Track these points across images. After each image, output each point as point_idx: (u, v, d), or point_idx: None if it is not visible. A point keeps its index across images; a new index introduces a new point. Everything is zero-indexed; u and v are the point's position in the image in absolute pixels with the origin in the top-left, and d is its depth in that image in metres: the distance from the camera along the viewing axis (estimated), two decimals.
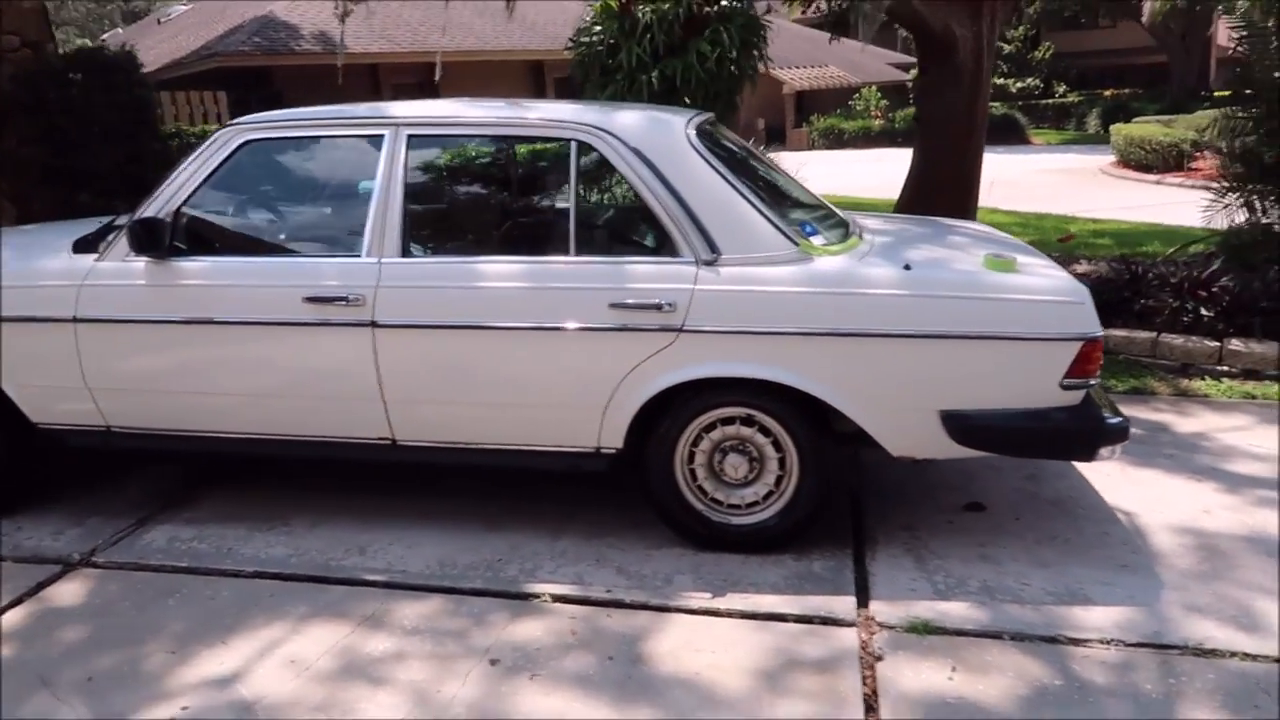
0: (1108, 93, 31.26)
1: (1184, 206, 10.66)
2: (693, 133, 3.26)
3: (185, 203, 3.40)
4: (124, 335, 3.41)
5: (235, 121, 3.46)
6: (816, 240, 3.23)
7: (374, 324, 3.22)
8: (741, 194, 3.17)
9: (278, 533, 3.53)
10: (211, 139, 3.42)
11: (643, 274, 3.14)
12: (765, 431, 3.21)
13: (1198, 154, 16.16)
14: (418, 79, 15.61)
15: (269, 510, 3.70)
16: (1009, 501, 3.67)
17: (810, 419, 3.17)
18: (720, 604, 2.99)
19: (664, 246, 3.18)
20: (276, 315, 3.28)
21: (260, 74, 13.89)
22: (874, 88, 29.92)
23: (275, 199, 3.63)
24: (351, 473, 3.96)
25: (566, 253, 3.22)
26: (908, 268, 3.10)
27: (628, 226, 3.44)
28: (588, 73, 6.74)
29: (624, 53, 6.53)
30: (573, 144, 3.24)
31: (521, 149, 3.82)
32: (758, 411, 3.19)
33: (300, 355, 3.33)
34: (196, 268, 3.37)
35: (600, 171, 3.26)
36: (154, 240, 3.28)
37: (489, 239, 3.57)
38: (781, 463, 3.23)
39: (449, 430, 3.35)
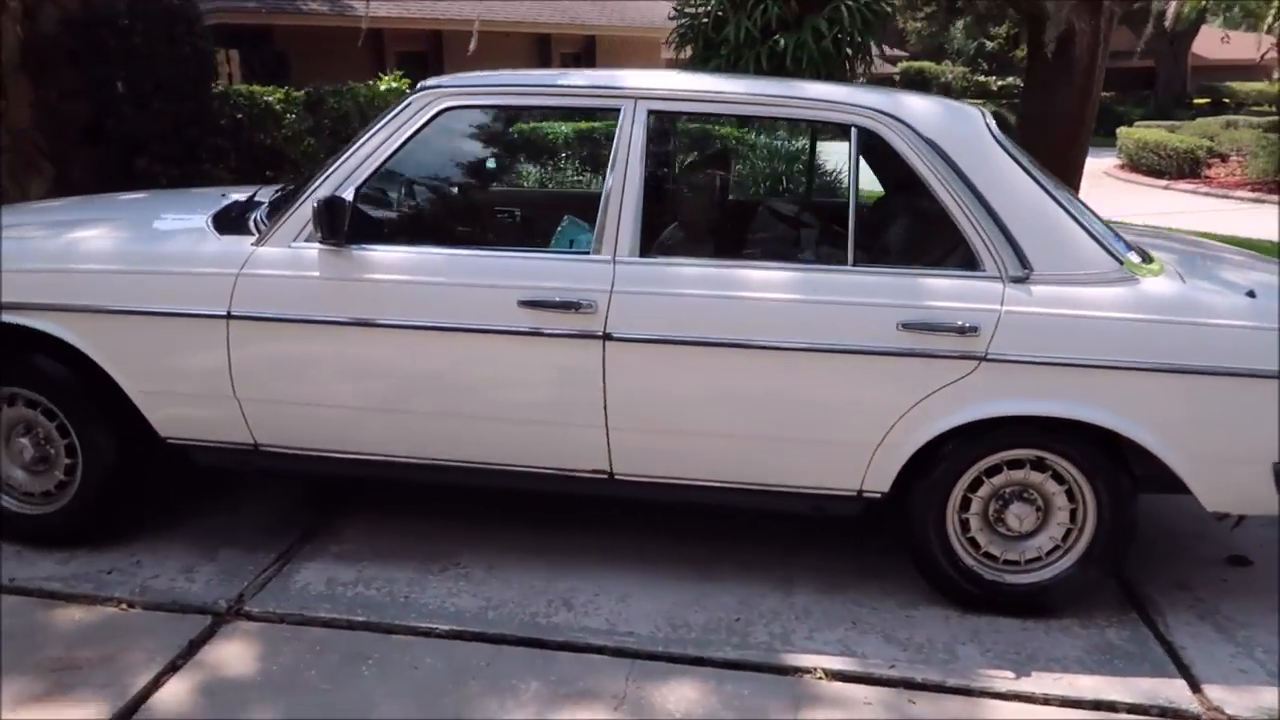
0: None
1: (1210, 214, 10.43)
2: (994, 125, 2.77)
3: (370, 179, 2.81)
4: (289, 338, 2.82)
5: (433, 83, 2.86)
6: (1132, 258, 2.76)
7: (606, 336, 2.68)
8: (1056, 200, 2.68)
9: (452, 575, 2.98)
10: (403, 103, 2.83)
11: (940, 290, 2.65)
12: (1058, 478, 2.75)
13: (1211, 161, 16.10)
14: (425, 47, 14.84)
15: (430, 545, 3.14)
16: (1268, 553, 3.26)
17: (1113, 464, 2.71)
18: (1031, 687, 2.53)
19: (962, 259, 2.68)
20: (484, 322, 2.72)
21: (262, 33, 13.02)
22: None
23: (477, 179, 3.05)
24: (493, 498, 3.39)
25: (843, 261, 2.71)
26: (1251, 295, 2.65)
27: (915, 233, 2.93)
28: (689, 45, 6.19)
29: (731, 25, 5.99)
30: (853, 130, 2.72)
31: (785, 134, 3.28)
32: (1053, 455, 2.72)
33: (509, 370, 2.78)
34: (386, 259, 2.79)
35: (883, 165, 2.73)
36: (335, 224, 2.69)
37: (744, 240, 3.03)
38: (1072, 515, 2.77)
39: (679, 464, 2.82)
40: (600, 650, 2.63)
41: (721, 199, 3.21)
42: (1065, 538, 2.79)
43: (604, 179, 2.78)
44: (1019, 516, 2.77)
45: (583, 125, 6.31)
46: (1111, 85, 32.77)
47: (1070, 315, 2.60)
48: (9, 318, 2.86)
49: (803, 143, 3.86)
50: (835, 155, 4.08)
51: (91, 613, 2.73)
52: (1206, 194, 14.49)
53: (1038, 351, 2.60)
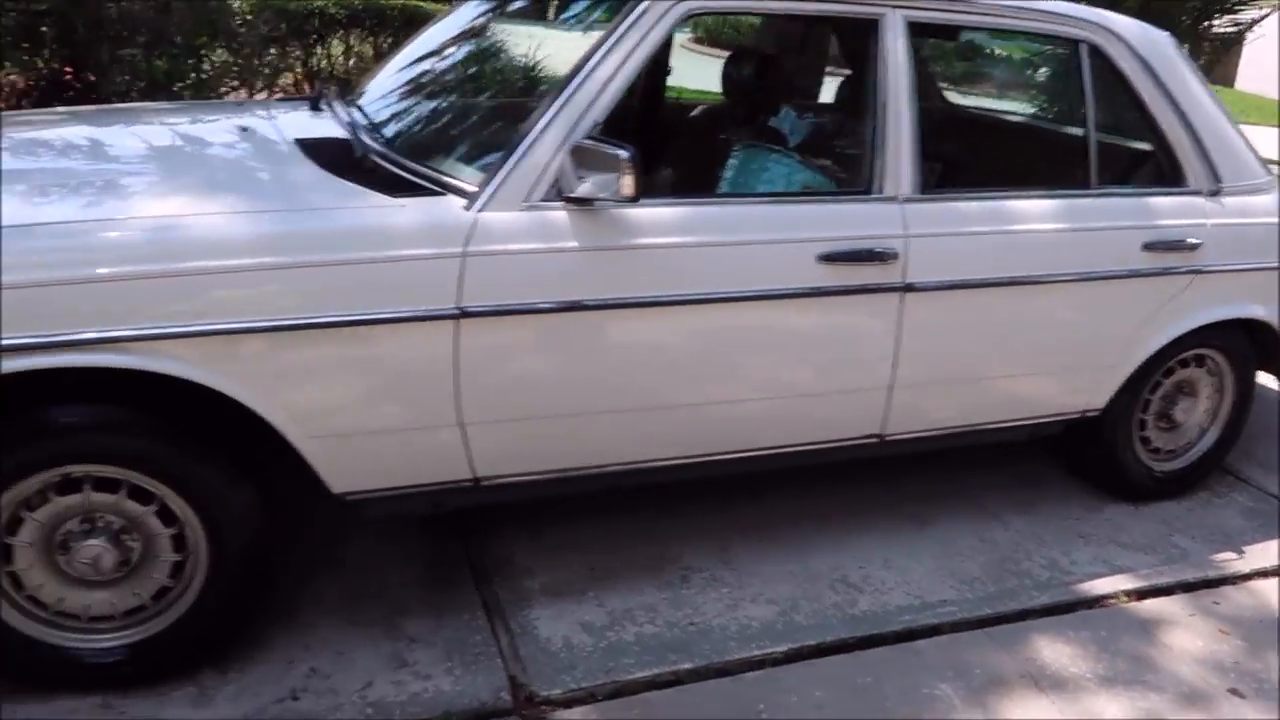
0: None
1: None
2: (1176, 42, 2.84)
3: (608, 113, 2.13)
4: (539, 333, 2.09)
5: None
6: None
7: (907, 288, 2.37)
8: (1226, 115, 2.86)
9: (700, 582, 2.52)
10: (637, 11, 2.15)
11: (1165, 209, 2.72)
12: (1208, 369, 3.03)
13: None
14: None
15: (633, 552, 2.61)
16: None
17: (1252, 352, 3.05)
18: (1262, 561, 2.82)
19: (1169, 175, 2.77)
20: (782, 284, 2.26)
21: None
22: None
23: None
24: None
25: (1088, 184, 2.65)
26: None
27: (1126, 151, 2.90)
28: None
29: None
30: (1083, 46, 2.63)
31: (1010, 50, 2.99)
32: (1212, 350, 2.98)
33: (799, 340, 2.34)
34: (654, 218, 2.16)
35: (1097, 83, 2.67)
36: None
37: (1001, 167, 2.78)
38: (1212, 400, 3.09)
39: (948, 414, 2.63)
40: (937, 630, 2.42)
41: (979, 122, 2.92)
42: (1210, 421, 3.10)
43: (865, 104, 2.41)
44: (1184, 409, 3.01)
45: None
46: None
47: (1253, 223, 2.82)
48: (93, 358, 1.78)
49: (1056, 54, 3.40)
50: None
51: None
52: None
53: (1233, 260, 2.80)
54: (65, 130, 2.50)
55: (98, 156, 2.28)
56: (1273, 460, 3.38)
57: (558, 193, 2.07)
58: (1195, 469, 3.11)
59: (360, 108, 2.59)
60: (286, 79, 5.67)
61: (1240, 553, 2.84)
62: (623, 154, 1.94)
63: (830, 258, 2.27)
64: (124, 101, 4.37)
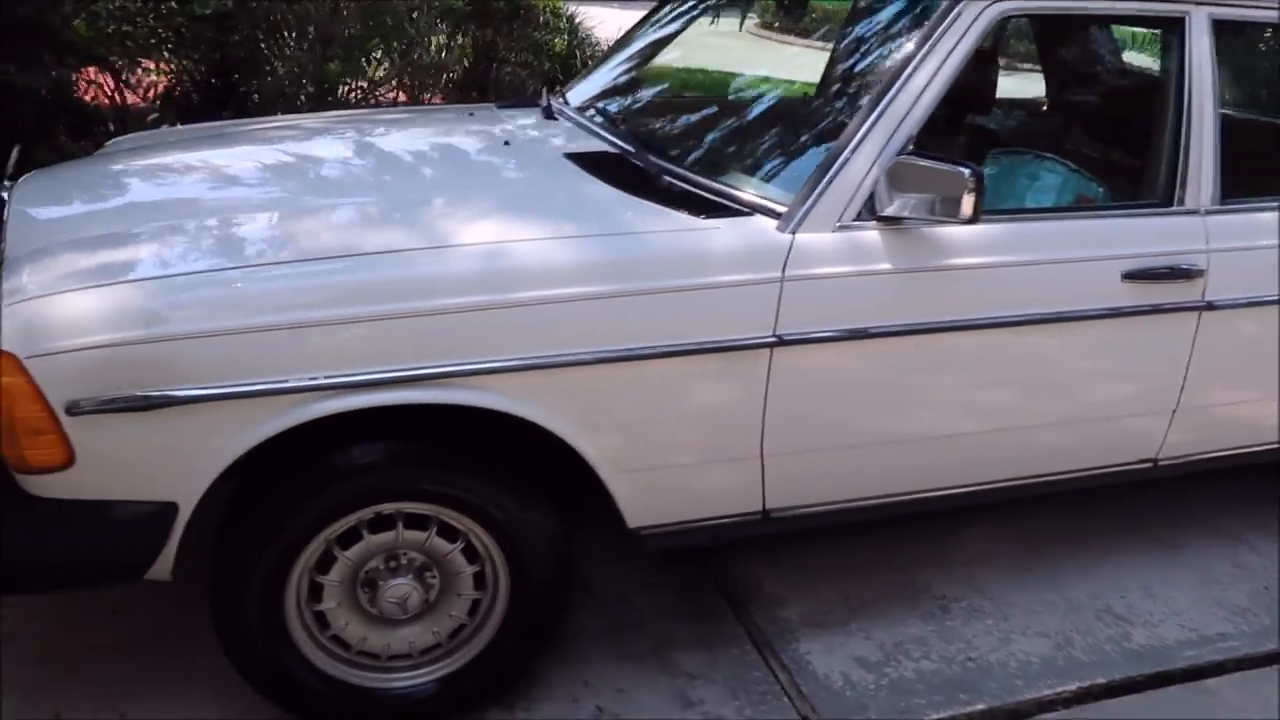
0: None
1: None
2: None
3: (921, 126, 1.99)
4: (846, 360, 1.98)
5: None
6: None
7: (1207, 306, 2.22)
8: None
9: (963, 613, 2.40)
10: (952, 14, 2.00)
11: None
12: None
13: None
14: None
15: (878, 578, 2.50)
16: None
17: None
18: None
19: None
20: (1088, 304, 2.11)
21: None
22: None
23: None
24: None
25: None
26: None
27: None
28: None
29: None
30: None
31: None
32: None
33: (1094, 362, 2.21)
34: (959, 237, 2.02)
35: None
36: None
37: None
38: None
39: (1225, 436, 2.49)
40: (1222, 668, 2.29)
41: (1239, 126, 2.73)
42: None
43: (1163, 108, 2.25)
44: None
45: None
46: None
47: None
48: (417, 394, 1.69)
49: None
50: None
51: None
52: None
53: None
54: (316, 144, 2.41)
55: (378, 173, 2.19)
56: None
57: (870, 212, 1.94)
58: None
59: (606, 115, 2.46)
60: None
61: None
62: (965, 172, 1.80)
63: (1133, 275, 2.13)
64: (290, 107, 4.26)
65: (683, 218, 1.91)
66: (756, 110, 2.41)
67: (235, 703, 1.93)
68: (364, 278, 1.68)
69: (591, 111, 2.52)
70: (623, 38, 2.98)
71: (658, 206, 1.95)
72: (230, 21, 4.01)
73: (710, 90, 2.52)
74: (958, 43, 2.00)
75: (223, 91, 4.68)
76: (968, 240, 2.02)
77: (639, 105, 2.49)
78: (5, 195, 2.10)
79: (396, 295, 1.67)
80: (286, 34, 4.11)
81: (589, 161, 2.17)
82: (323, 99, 4.05)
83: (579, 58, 8.90)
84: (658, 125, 2.36)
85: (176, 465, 1.63)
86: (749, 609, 2.38)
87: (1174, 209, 2.22)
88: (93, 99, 4.58)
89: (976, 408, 2.13)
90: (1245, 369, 2.37)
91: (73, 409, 1.54)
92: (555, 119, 2.59)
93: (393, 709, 1.93)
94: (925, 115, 1.97)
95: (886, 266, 1.95)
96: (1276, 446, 2.57)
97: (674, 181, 2.06)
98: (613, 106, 2.54)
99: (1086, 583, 2.56)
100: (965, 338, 2.03)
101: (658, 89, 2.52)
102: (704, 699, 2.09)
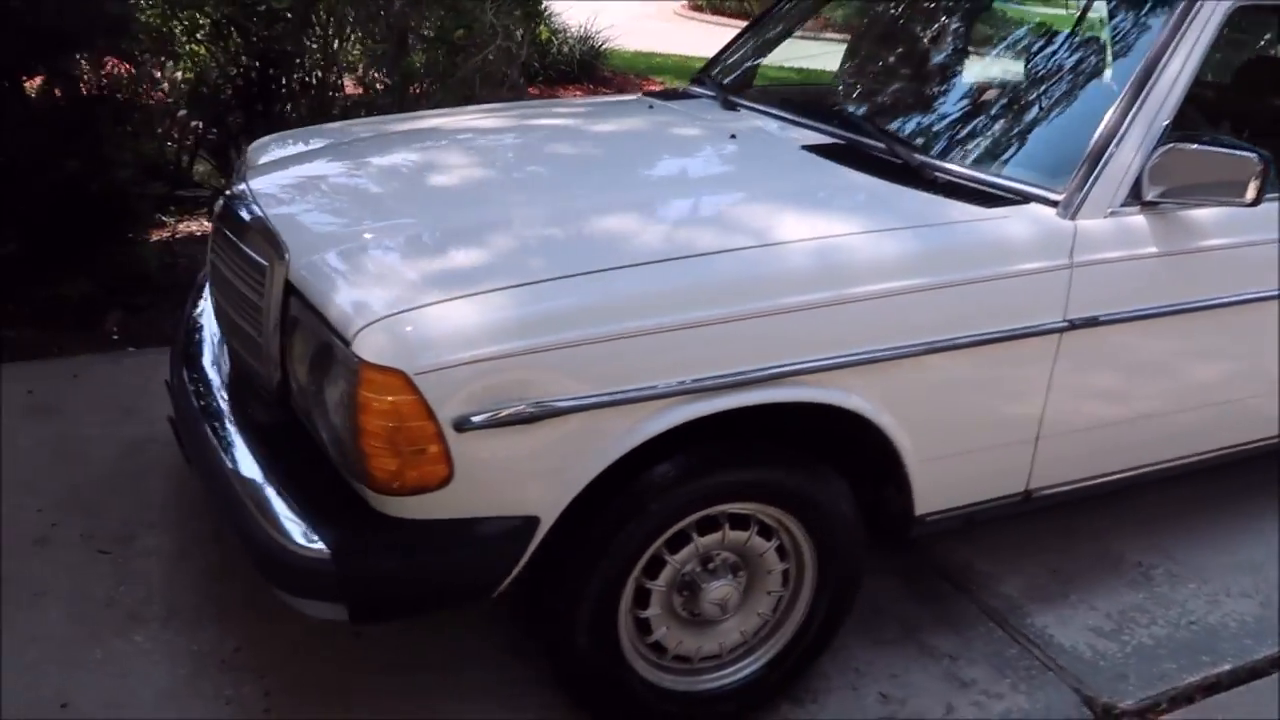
0: None
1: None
2: None
3: (1174, 114, 2.05)
4: (1121, 342, 2.04)
5: None
6: None
7: None
8: None
9: (1164, 580, 2.50)
10: (1195, 8, 2.06)
11: None
12: None
13: None
14: None
15: (1070, 555, 2.58)
16: None
17: None
18: None
19: None
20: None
21: None
22: None
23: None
24: None
25: None
26: None
27: None
28: None
29: None
30: None
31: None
32: None
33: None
34: (1205, 219, 2.09)
35: None
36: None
37: None
38: None
39: None
40: None
41: None
42: None
43: None
44: None
45: None
46: None
47: None
48: (786, 393, 1.68)
49: None
50: None
51: None
52: (800, 36, 15.97)
53: None
54: (530, 141, 2.37)
55: (632, 170, 2.16)
56: None
57: (1134, 197, 1.99)
58: None
59: (795, 104, 2.47)
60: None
61: None
62: (1254, 157, 1.87)
63: None
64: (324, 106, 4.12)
65: (972, 209, 1.93)
66: (973, 95, 2.44)
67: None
68: (714, 278, 1.66)
69: (783, 100, 2.53)
70: (755, 22, 3.00)
71: (940, 198, 1.97)
72: (283, 9, 3.83)
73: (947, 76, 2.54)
74: (1201, 33, 2.06)
75: (260, 85, 4.48)
76: (1207, 223, 2.09)
77: (835, 92, 2.50)
78: (246, 186, 2.01)
79: (748, 295, 1.66)
80: (346, 28, 3.97)
81: (832, 153, 2.18)
82: (402, 94, 3.92)
83: (555, 45, 8.83)
84: (874, 113, 2.38)
85: (546, 478, 1.59)
86: (971, 589, 2.44)
87: None
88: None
89: (1220, 379, 2.22)
90: None
91: (461, 425, 1.48)
92: (736, 109, 2.59)
93: (702, 710, 1.92)
94: (1178, 104, 2.04)
95: (1153, 249, 2.01)
96: None
97: (936, 173, 2.08)
98: (798, 95, 2.54)
99: (1257, 545, 2.68)
100: (1216, 315, 2.11)
101: (876, 73, 2.54)
102: (975, 679, 2.14)
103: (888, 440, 1.84)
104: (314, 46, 4.33)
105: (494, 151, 2.27)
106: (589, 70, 8.89)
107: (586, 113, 2.78)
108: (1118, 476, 2.25)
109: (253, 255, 1.83)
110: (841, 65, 2.88)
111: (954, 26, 2.67)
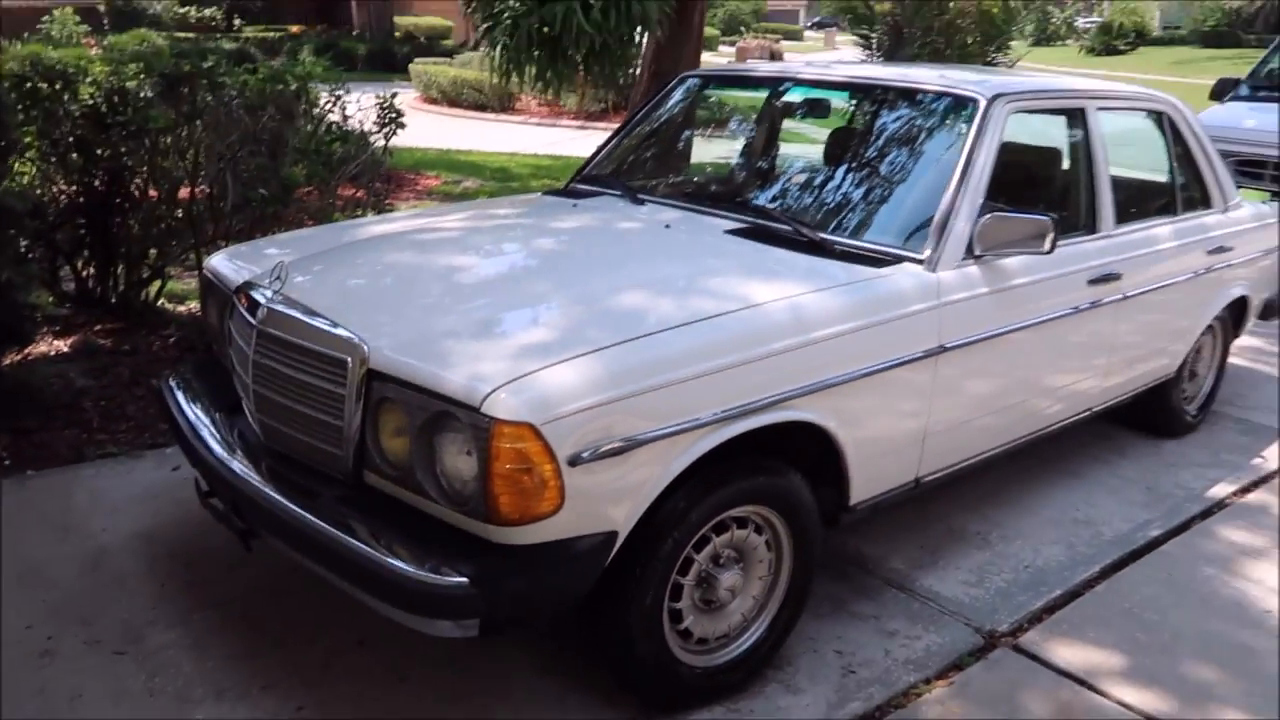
0: (294, 28, 32.08)
1: (571, 141, 12.82)
2: None
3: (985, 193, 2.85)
4: (973, 359, 2.78)
5: (996, 92, 2.91)
6: None
7: (1123, 298, 3.31)
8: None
9: (999, 540, 3.26)
10: (984, 115, 2.87)
11: (1210, 224, 3.87)
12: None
13: (517, 95, 18.66)
14: None
15: (928, 532, 3.30)
16: None
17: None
18: None
19: (1203, 200, 3.92)
20: (1069, 305, 3.10)
21: None
22: None
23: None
24: None
25: (1175, 212, 3.75)
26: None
27: (1182, 187, 3.95)
28: (476, 12, 5.81)
29: None
30: (1165, 116, 3.71)
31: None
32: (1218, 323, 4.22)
33: (1076, 343, 3.21)
34: (1011, 266, 2.88)
35: (1167, 139, 3.78)
36: None
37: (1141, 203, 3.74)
38: None
39: (1131, 383, 3.61)
40: (1160, 541, 3.34)
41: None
42: (1207, 370, 4.34)
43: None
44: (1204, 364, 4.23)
45: None
46: (303, 19, 34.26)
47: (1244, 229, 4.06)
48: (780, 415, 2.24)
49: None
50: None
51: None
52: (539, 124, 16.92)
53: (1245, 255, 4.01)
54: (513, 235, 2.92)
55: (610, 255, 2.73)
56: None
57: (970, 253, 2.75)
58: (1207, 403, 4.31)
59: (703, 195, 3.07)
60: None
61: (1263, 456, 4.06)
62: (1047, 219, 2.67)
63: (1091, 281, 3.14)
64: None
65: (870, 269, 2.60)
66: (835, 178, 3.16)
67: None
68: (726, 334, 2.19)
69: (678, 193, 3.13)
70: (628, 124, 3.60)
71: (847, 264, 2.62)
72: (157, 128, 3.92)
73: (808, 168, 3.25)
74: (994, 134, 2.88)
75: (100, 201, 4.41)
76: (1014, 267, 2.90)
77: (729, 183, 3.13)
78: (280, 293, 2.30)
79: (750, 344, 2.20)
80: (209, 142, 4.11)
81: (750, 235, 2.78)
82: (280, 202, 4.08)
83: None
84: (771, 199, 3.02)
85: (625, 498, 2.03)
86: (870, 568, 3.08)
87: (1097, 234, 3.28)
88: None
89: (1044, 375, 3.07)
90: (1153, 335, 3.51)
91: (574, 461, 1.91)
92: (643, 204, 3.15)
93: (720, 679, 2.39)
94: (987, 183, 2.83)
95: (985, 289, 2.77)
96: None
97: (836, 245, 2.73)
98: (689, 188, 3.15)
99: (1051, 505, 3.54)
100: (1030, 331, 2.91)
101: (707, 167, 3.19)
102: (898, 629, 2.76)
103: (837, 446, 2.43)
104: (171, 162, 4.39)
105: (490, 247, 2.69)
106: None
107: (531, 211, 3.23)
108: (979, 457, 2.99)
109: (325, 351, 2.14)
110: (731, 162, 3.53)
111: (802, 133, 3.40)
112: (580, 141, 13.74)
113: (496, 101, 18.05)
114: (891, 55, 9.23)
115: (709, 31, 42.39)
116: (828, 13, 26.71)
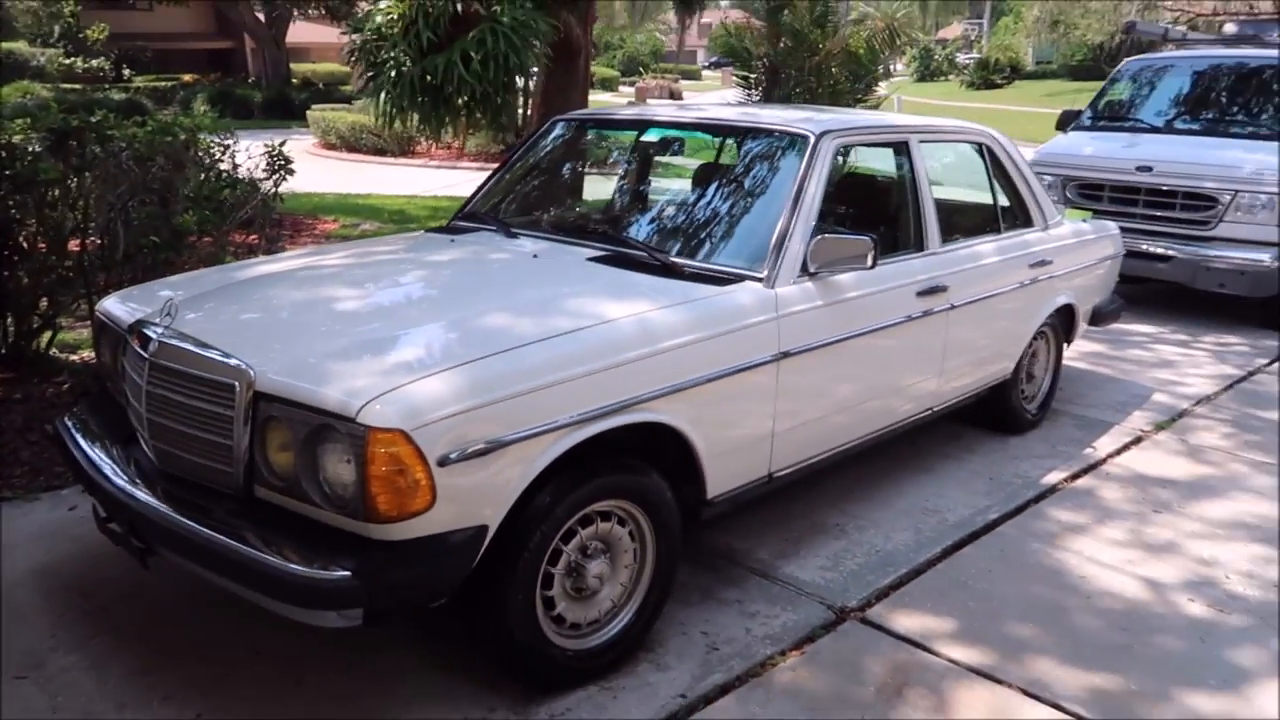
0: (187, 77, 31.71)
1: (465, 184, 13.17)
2: None
3: (817, 217, 3.21)
4: (816, 360, 3.10)
5: (823, 129, 3.29)
6: None
7: (951, 308, 3.71)
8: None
9: (854, 530, 3.60)
10: (814, 149, 3.24)
11: (1032, 240, 4.33)
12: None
13: (416, 139, 18.82)
14: None
15: (792, 527, 3.62)
16: None
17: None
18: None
19: (1025, 220, 4.38)
20: (901, 314, 3.48)
21: None
22: None
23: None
24: None
25: (999, 230, 4.19)
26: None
27: (1004, 209, 4.38)
28: (359, 63, 6.07)
29: (390, 47, 6.08)
30: (984, 146, 4.16)
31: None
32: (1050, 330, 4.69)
33: (908, 348, 3.58)
34: (843, 281, 3.24)
35: (989, 167, 4.23)
36: None
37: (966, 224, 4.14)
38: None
39: (963, 387, 4.01)
40: (998, 523, 3.73)
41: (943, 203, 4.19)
42: (1044, 371, 4.80)
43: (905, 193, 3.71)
44: (1040, 364, 4.69)
45: None
46: (195, 66, 33.89)
47: (1065, 243, 4.54)
48: (632, 417, 2.52)
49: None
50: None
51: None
52: (439, 166, 17.11)
53: (1066, 267, 4.49)
54: (396, 268, 3.18)
55: (484, 282, 3.00)
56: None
57: (803, 270, 3.09)
58: (1046, 402, 4.76)
59: (570, 226, 3.36)
60: None
61: (1094, 447, 4.51)
62: (868, 239, 3.03)
63: (919, 293, 3.53)
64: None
65: (714, 287, 2.91)
66: (689, 208, 3.49)
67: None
68: (581, 346, 2.47)
69: (548, 226, 3.41)
70: (505, 165, 3.89)
71: (693, 283, 2.93)
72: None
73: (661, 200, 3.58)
74: (824, 163, 3.25)
75: None
76: (843, 282, 3.26)
77: (594, 216, 3.43)
78: (169, 328, 2.49)
79: (603, 354, 2.48)
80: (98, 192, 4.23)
81: (611, 261, 3.08)
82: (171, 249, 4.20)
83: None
84: (631, 229, 3.32)
85: (493, 494, 2.28)
86: (737, 560, 3.37)
87: (924, 251, 3.67)
88: None
89: (886, 376, 3.41)
90: (985, 340, 3.90)
91: (443, 462, 2.15)
92: (517, 237, 3.43)
93: (594, 661, 2.64)
94: (818, 209, 3.19)
95: (819, 302, 3.12)
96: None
97: (684, 267, 3.04)
98: (558, 221, 3.45)
99: (904, 498, 3.90)
100: (865, 339, 3.27)
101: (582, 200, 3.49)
102: (758, 610, 3.05)
103: (690, 445, 2.72)
104: (60, 213, 4.47)
105: (368, 280, 2.93)
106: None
107: (410, 247, 3.47)
108: (828, 454, 3.32)
109: (214, 377, 2.34)
110: (595, 197, 3.83)
111: (669, 166, 3.74)
112: (478, 183, 13.89)
113: (396, 145, 18.18)
114: (769, 94, 9.76)
115: (609, 72, 43.67)
116: (720, 53, 27.86)
